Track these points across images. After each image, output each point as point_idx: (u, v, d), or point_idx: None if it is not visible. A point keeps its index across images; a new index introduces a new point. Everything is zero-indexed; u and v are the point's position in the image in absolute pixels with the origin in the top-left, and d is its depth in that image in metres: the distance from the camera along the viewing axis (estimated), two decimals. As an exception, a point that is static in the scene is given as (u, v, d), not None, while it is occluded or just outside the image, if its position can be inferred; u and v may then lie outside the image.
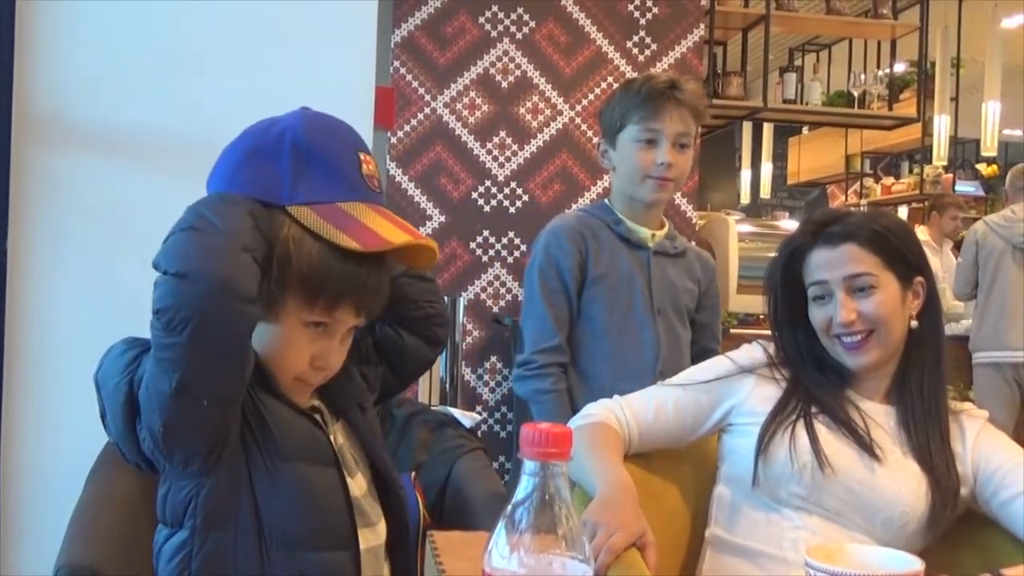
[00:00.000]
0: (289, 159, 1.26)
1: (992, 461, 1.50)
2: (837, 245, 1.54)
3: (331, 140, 1.30)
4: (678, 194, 3.78)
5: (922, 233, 6.04)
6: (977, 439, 1.53)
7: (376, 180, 1.33)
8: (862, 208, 7.64)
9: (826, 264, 1.55)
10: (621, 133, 2.13)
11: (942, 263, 5.74)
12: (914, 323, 1.57)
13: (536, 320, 2.14)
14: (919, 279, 1.57)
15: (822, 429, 1.52)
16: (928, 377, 1.55)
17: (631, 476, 1.45)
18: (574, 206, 3.54)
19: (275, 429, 1.26)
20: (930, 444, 1.50)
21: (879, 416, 1.55)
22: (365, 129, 2.21)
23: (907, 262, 1.56)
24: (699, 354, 2.24)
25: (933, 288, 1.59)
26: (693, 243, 2.38)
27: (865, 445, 1.50)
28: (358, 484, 1.37)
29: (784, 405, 1.56)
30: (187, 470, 1.23)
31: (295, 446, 1.28)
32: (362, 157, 1.31)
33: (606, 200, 2.23)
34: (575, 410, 2.10)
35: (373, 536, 1.37)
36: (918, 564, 1.06)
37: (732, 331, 3.85)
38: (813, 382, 1.57)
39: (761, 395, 1.59)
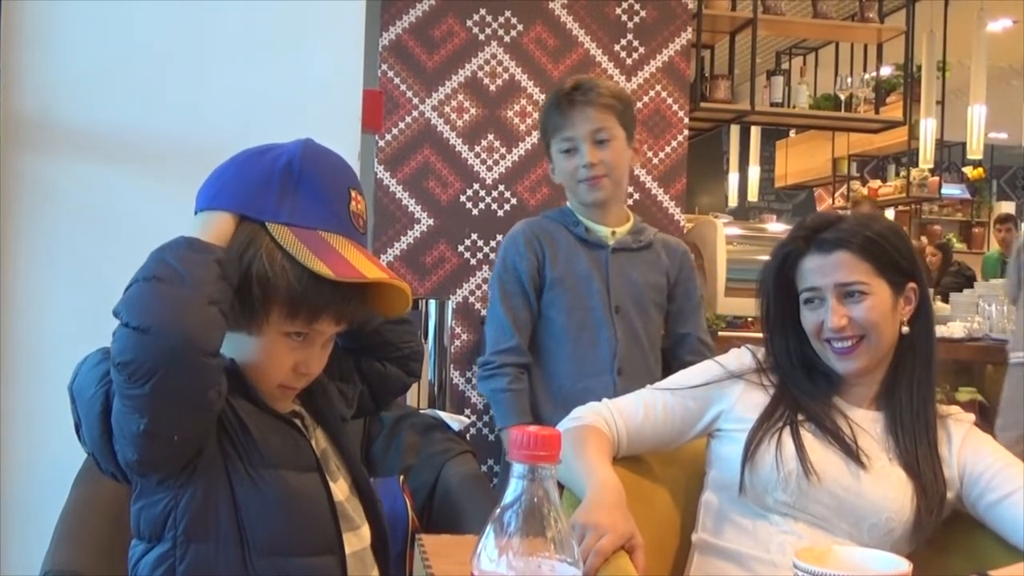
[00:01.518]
0: (279, 177, 1.26)
1: (978, 464, 1.51)
2: (830, 252, 1.54)
3: (325, 170, 1.29)
4: (665, 197, 3.79)
5: None
6: (963, 443, 1.54)
7: (362, 220, 1.32)
8: (848, 210, 7.67)
9: (818, 270, 1.55)
10: (550, 148, 2.22)
11: None
12: (905, 328, 1.57)
13: (495, 323, 2.21)
14: (911, 285, 1.58)
15: (808, 436, 1.52)
16: (918, 383, 1.55)
17: (620, 479, 1.45)
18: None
19: (255, 436, 1.25)
20: (917, 450, 1.51)
21: (866, 423, 1.56)
22: (353, 132, 2.21)
23: (899, 268, 1.56)
24: (675, 343, 2.28)
25: (925, 293, 1.59)
26: (656, 231, 2.36)
27: (851, 452, 1.50)
28: (340, 488, 1.37)
29: (771, 413, 1.56)
30: (162, 485, 1.22)
31: (276, 452, 1.27)
32: (353, 194, 1.30)
33: (567, 204, 2.27)
34: (536, 411, 2.13)
35: (357, 540, 1.36)
36: (905, 565, 1.06)
37: (720, 334, 3.85)
38: (801, 389, 1.58)
39: (749, 401, 1.59)
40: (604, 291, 2.18)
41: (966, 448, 1.53)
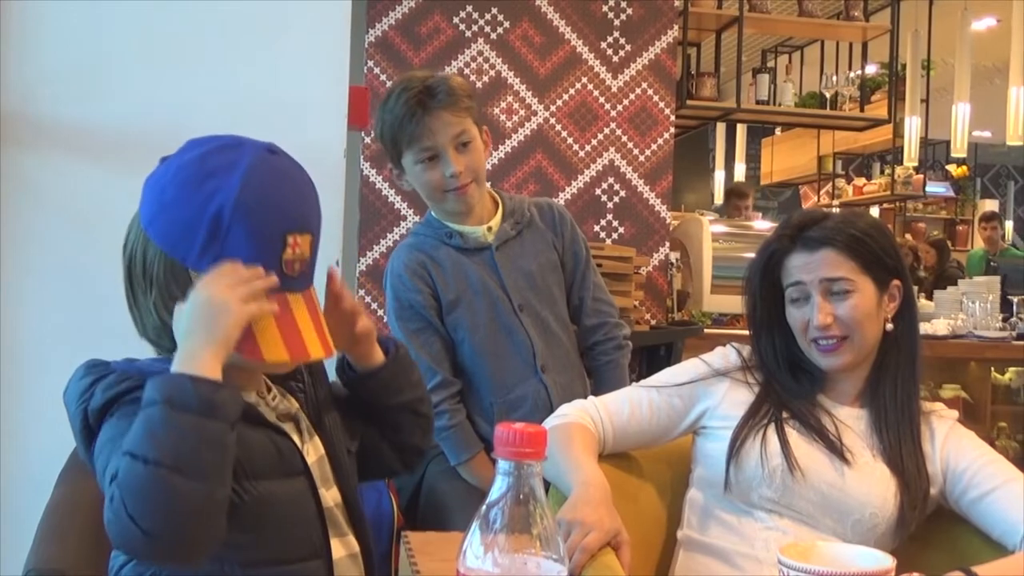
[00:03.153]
0: (207, 225, 1.20)
1: (961, 460, 1.52)
2: (815, 250, 1.55)
3: (259, 218, 1.21)
4: (651, 194, 3.80)
5: None
6: (946, 439, 1.55)
7: (298, 264, 1.24)
8: (835, 209, 7.69)
9: (804, 267, 1.56)
10: (403, 159, 2.03)
11: None
12: (889, 326, 1.58)
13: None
14: (895, 282, 1.58)
15: (793, 433, 1.53)
16: (902, 380, 1.56)
17: (605, 476, 1.45)
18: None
19: (238, 452, 1.21)
20: (901, 447, 1.52)
21: (850, 420, 1.57)
22: (339, 129, 2.21)
23: (884, 266, 1.57)
24: (573, 310, 2.16)
25: (909, 290, 1.60)
26: (529, 199, 2.21)
27: (836, 449, 1.51)
28: (332, 495, 1.35)
29: (756, 410, 1.56)
30: None
31: (259, 464, 1.24)
32: (290, 240, 1.23)
33: (431, 213, 2.12)
34: (478, 432, 2.05)
35: (344, 546, 1.35)
36: (889, 561, 1.06)
37: (707, 331, 3.86)
38: (786, 387, 1.58)
39: (734, 399, 1.60)
40: (503, 295, 2.07)
41: (949, 444, 1.54)
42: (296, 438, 1.31)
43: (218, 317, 1.15)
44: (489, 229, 2.09)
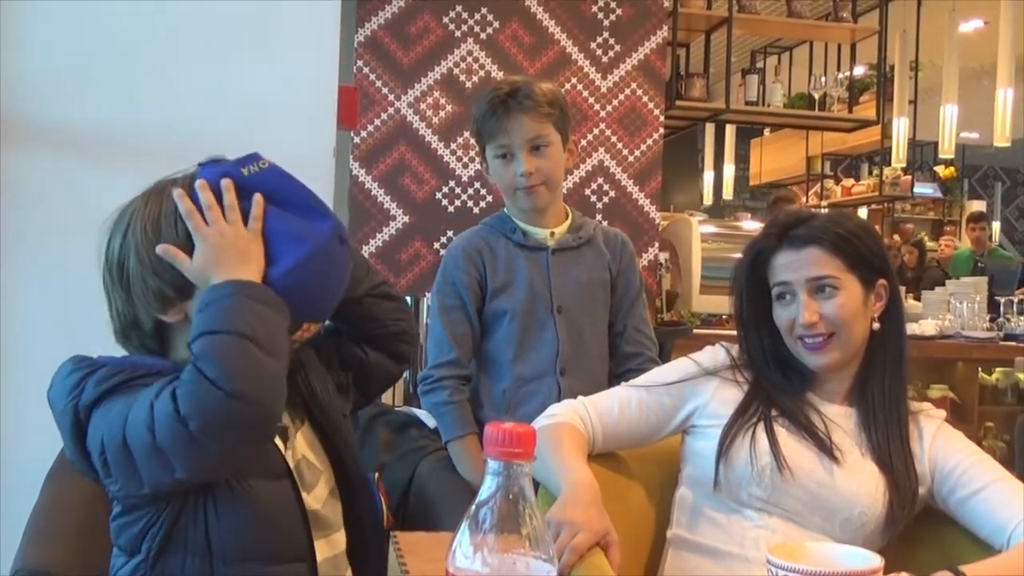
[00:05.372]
0: None
1: (949, 460, 1.52)
2: (801, 248, 1.56)
3: (290, 303, 1.27)
4: (641, 195, 3.80)
5: None
6: (934, 438, 1.56)
7: (299, 341, 1.33)
8: (823, 209, 7.72)
9: (790, 266, 1.56)
10: (486, 151, 2.17)
11: None
12: (876, 325, 1.58)
13: (434, 337, 2.19)
14: (882, 281, 1.59)
15: (782, 432, 1.53)
16: (890, 379, 1.57)
17: (595, 476, 1.46)
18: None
19: None
20: (890, 445, 1.52)
21: (839, 418, 1.57)
22: (328, 128, 2.21)
23: (870, 265, 1.57)
24: (615, 334, 2.24)
25: (896, 290, 1.61)
26: (604, 223, 2.34)
27: (825, 447, 1.52)
28: (316, 496, 1.36)
29: (745, 409, 1.57)
30: (152, 503, 1.22)
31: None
32: (305, 326, 1.32)
33: (504, 209, 2.25)
34: (480, 418, 2.11)
35: (329, 547, 1.35)
36: (877, 561, 1.07)
37: (696, 331, 3.87)
38: (775, 385, 1.59)
39: (723, 398, 1.60)
40: (546, 293, 2.16)
41: (937, 443, 1.55)
42: (279, 442, 1.32)
43: (248, 248, 1.22)
44: (552, 234, 2.20)
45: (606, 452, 1.63)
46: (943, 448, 1.54)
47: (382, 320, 1.48)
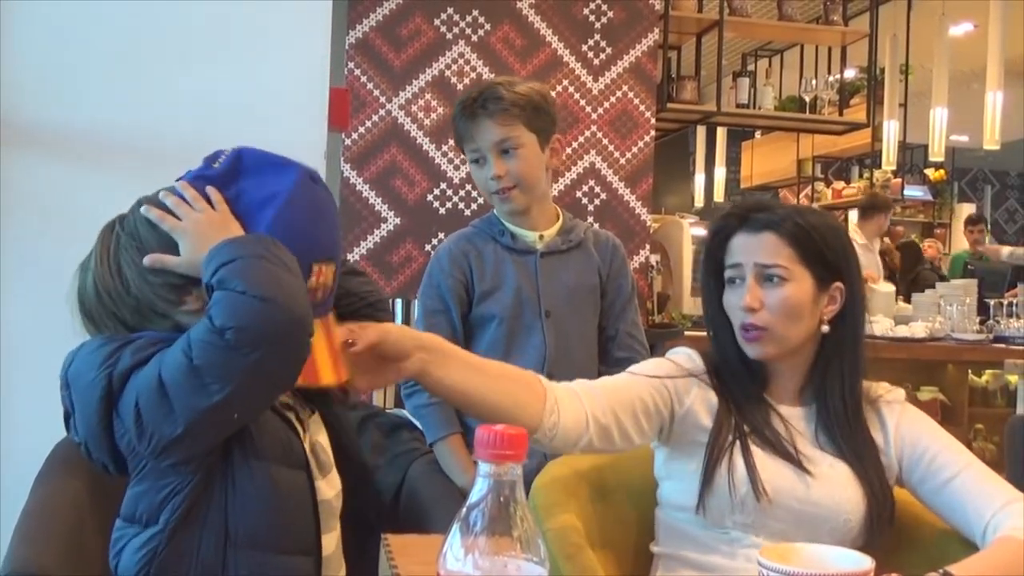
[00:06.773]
0: None
1: (917, 446, 1.50)
2: (757, 232, 1.52)
3: (290, 246, 1.27)
4: (632, 197, 3.81)
5: (855, 232, 6.09)
6: (898, 426, 1.53)
7: (320, 292, 1.32)
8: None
9: (743, 247, 1.53)
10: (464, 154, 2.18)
11: (872, 261, 5.86)
12: (825, 328, 1.53)
13: None
14: (837, 284, 1.54)
15: (757, 452, 1.49)
16: (842, 383, 1.53)
17: (583, 477, 1.43)
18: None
19: (252, 428, 1.26)
20: (855, 443, 1.50)
21: (794, 420, 1.54)
22: (319, 130, 2.21)
23: (826, 263, 1.52)
24: (606, 338, 2.22)
25: (855, 295, 1.55)
26: (595, 226, 2.32)
27: (795, 461, 1.49)
28: (330, 484, 1.37)
29: (719, 430, 1.52)
30: (175, 469, 1.21)
31: (269, 447, 1.27)
32: (315, 268, 1.31)
33: (493, 211, 2.22)
34: (466, 421, 2.09)
35: (334, 541, 1.37)
36: (868, 562, 1.07)
37: (687, 333, 3.87)
38: (735, 382, 1.54)
39: (703, 404, 1.56)
40: (534, 297, 2.13)
41: (902, 431, 1.52)
42: (299, 427, 1.34)
43: (228, 223, 1.26)
44: (541, 237, 2.18)
45: (600, 424, 1.50)
46: (909, 435, 1.51)
47: (359, 293, 1.50)
